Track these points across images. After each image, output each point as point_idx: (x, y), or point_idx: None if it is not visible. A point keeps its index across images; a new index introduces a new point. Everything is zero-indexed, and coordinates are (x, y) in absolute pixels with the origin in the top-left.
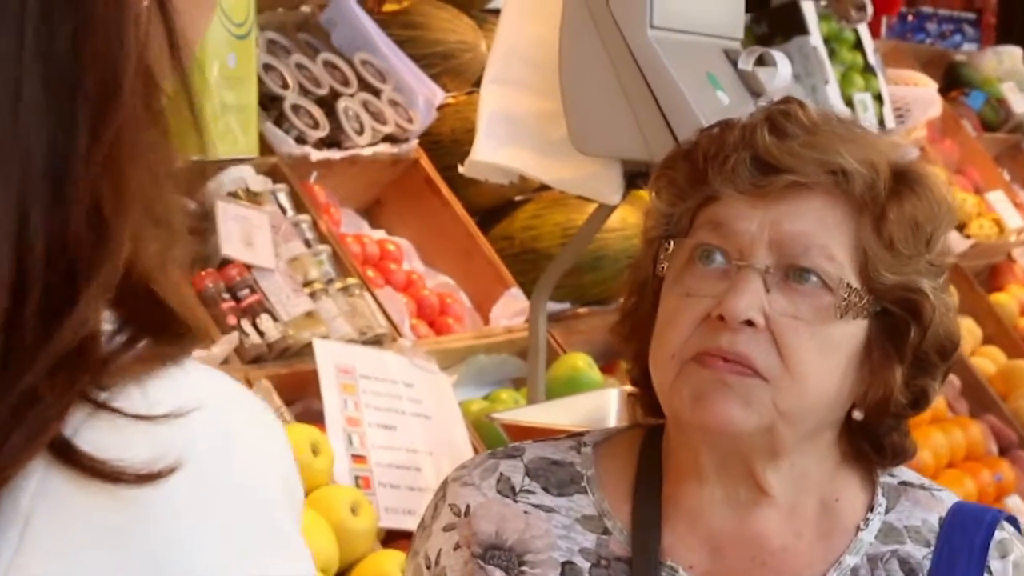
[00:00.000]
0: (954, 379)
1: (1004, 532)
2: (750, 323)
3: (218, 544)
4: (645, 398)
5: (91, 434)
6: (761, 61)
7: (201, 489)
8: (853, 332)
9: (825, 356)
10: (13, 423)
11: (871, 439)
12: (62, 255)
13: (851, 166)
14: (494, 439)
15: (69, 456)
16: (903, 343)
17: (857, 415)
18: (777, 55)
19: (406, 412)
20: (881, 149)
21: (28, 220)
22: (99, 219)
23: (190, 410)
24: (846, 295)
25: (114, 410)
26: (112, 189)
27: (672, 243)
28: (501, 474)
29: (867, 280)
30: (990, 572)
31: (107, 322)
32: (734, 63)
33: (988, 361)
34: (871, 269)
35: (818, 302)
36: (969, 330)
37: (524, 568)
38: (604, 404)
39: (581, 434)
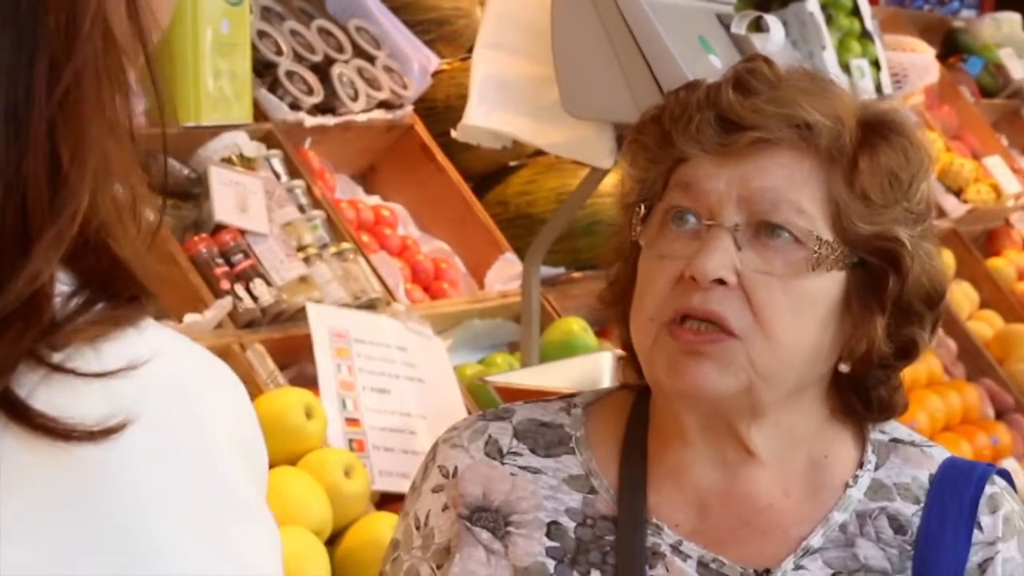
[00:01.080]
0: (951, 343)
1: (995, 487)
2: (722, 282)
3: (176, 511)
4: (634, 361)
5: (45, 394)
6: (754, 25)
7: (158, 454)
8: (829, 285)
9: (800, 311)
10: None
11: (859, 392)
12: (17, 202)
13: (814, 118)
14: (488, 403)
15: (22, 415)
16: (883, 293)
17: (844, 368)
18: (770, 19)
19: (400, 376)
20: (847, 101)
21: None
22: (56, 166)
23: (143, 365)
24: (817, 248)
25: (69, 371)
26: (70, 136)
27: (643, 207)
28: (489, 436)
29: (841, 232)
30: (980, 527)
31: (63, 284)
32: (727, 27)
33: (985, 325)
34: (844, 220)
35: (790, 257)
36: (966, 294)
37: (510, 529)
38: (597, 368)
39: (572, 395)
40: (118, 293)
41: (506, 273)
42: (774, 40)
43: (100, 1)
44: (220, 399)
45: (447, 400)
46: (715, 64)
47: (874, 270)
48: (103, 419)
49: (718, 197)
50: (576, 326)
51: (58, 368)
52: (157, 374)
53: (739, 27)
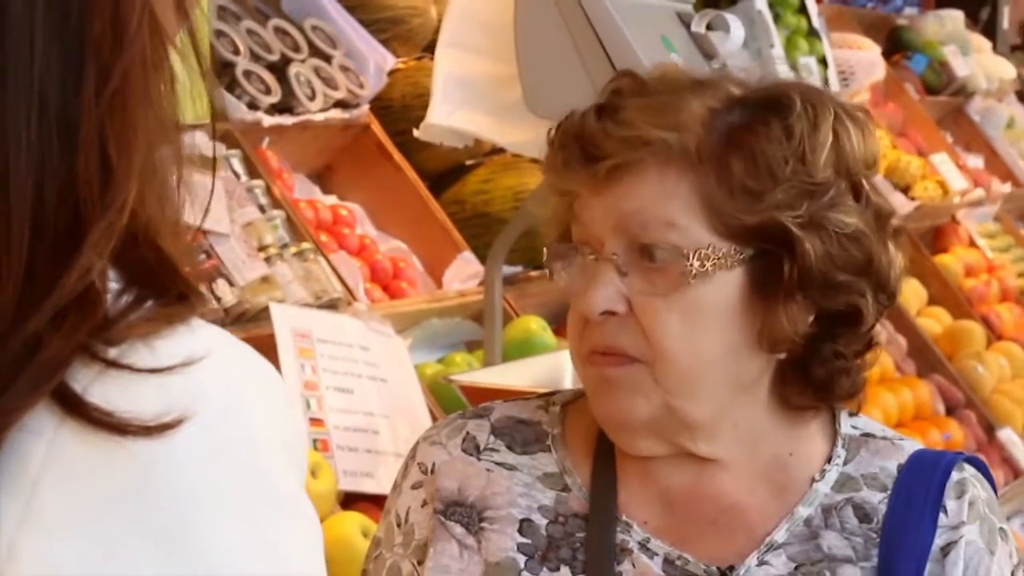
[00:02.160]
0: (901, 339)
1: (963, 472)
2: (612, 313)
3: (227, 509)
4: None
5: (100, 389)
6: (713, 24)
7: (210, 452)
8: (720, 289)
9: (689, 323)
10: (17, 368)
11: (801, 374)
12: (71, 201)
13: (651, 135)
14: (451, 401)
15: (79, 409)
16: (777, 279)
17: (779, 355)
18: (730, 18)
19: (363, 376)
20: (693, 106)
21: (45, 161)
22: (106, 162)
23: (198, 362)
24: (691, 259)
25: (124, 367)
26: (118, 132)
27: (546, 251)
28: (467, 433)
29: (724, 230)
30: (945, 511)
31: (112, 281)
32: (687, 26)
33: (933, 322)
34: (725, 218)
35: (670, 273)
36: (914, 291)
37: (484, 524)
38: (559, 366)
39: (551, 394)
40: (166, 290)
41: (464, 272)
42: (734, 39)
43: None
44: (267, 396)
45: (409, 399)
46: (678, 63)
47: (775, 257)
48: (158, 415)
49: (597, 228)
50: (535, 324)
51: (113, 364)
52: (211, 372)
53: (699, 26)
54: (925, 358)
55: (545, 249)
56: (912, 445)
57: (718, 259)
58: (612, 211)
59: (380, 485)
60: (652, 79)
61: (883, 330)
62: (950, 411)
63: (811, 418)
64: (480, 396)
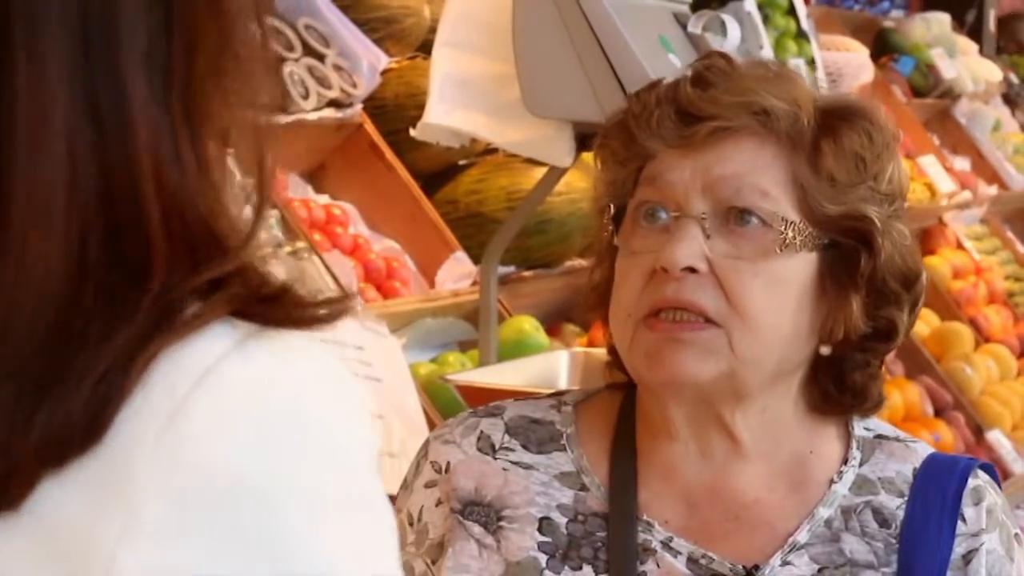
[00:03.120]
0: None
1: (978, 480)
2: (693, 270)
3: (317, 506)
4: (618, 360)
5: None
6: (709, 26)
7: (301, 448)
8: (800, 266)
9: (773, 293)
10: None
11: (836, 377)
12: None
13: (771, 103)
14: (446, 401)
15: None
16: (855, 272)
17: (824, 350)
18: (727, 19)
19: (357, 375)
20: (803, 87)
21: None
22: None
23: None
24: (783, 229)
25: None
26: (208, 119)
27: (612, 207)
28: (481, 432)
29: (808, 213)
30: (964, 519)
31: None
32: (684, 27)
33: (922, 324)
34: (811, 202)
35: (758, 240)
36: None
37: (502, 523)
38: (554, 366)
39: (562, 393)
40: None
41: (457, 272)
42: (730, 40)
43: None
44: (350, 397)
45: (404, 399)
46: (675, 63)
47: (846, 250)
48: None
49: (683, 188)
50: (528, 325)
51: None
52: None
53: (695, 27)
54: (914, 360)
55: (605, 208)
56: (924, 448)
57: (803, 237)
58: (704, 173)
59: None
60: (744, 62)
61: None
62: (939, 413)
63: (830, 420)
64: (477, 396)
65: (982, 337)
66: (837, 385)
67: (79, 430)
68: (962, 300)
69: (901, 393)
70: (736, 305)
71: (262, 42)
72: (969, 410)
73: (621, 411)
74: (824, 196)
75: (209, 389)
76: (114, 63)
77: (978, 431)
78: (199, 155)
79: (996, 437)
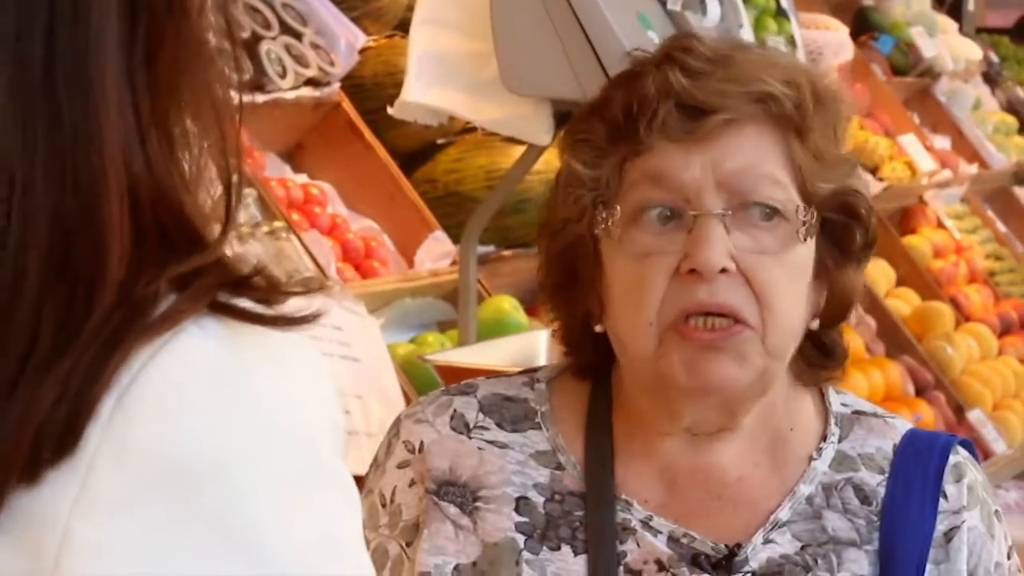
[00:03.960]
0: (870, 320)
1: (958, 456)
2: (724, 271)
3: (275, 482)
4: (582, 357)
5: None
6: (688, 3)
7: (259, 422)
8: (809, 251)
9: (793, 283)
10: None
11: (816, 343)
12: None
13: (777, 90)
14: (424, 381)
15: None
16: (851, 245)
17: (814, 325)
18: None
19: (335, 355)
20: (796, 65)
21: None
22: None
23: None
24: (803, 217)
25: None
26: (175, 112)
27: (605, 208)
28: (455, 411)
29: (807, 196)
30: (945, 496)
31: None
32: (663, 4)
33: (902, 303)
34: (808, 184)
35: (779, 232)
36: (883, 272)
37: (479, 504)
38: (533, 345)
39: (535, 370)
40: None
41: (436, 251)
42: (710, 17)
43: None
44: (316, 376)
45: (382, 379)
46: (654, 40)
47: (837, 226)
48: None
49: (696, 186)
50: (507, 304)
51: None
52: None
53: (675, 4)
54: (894, 339)
55: (610, 212)
56: (903, 424)
57: (813, 221)
58: (715, 168)
59: (353, 464)
60: (719, 43)
61: (853, 311)
62: (919, 392)
63: (805, 393)
64: (455, 376)
65: (963, 316)
66: (818, 349)
67: (51, 443)
68: (943, 279)
69: (882, 372)
70: (765, 302)
71: (228, 31)
72: (950, 389)
73: (594, 388)
74: (817, 175)
75: (160, 364)
76: (80, 64)
77: (959, 410)
78: (170, 149)
79: (977, 416)
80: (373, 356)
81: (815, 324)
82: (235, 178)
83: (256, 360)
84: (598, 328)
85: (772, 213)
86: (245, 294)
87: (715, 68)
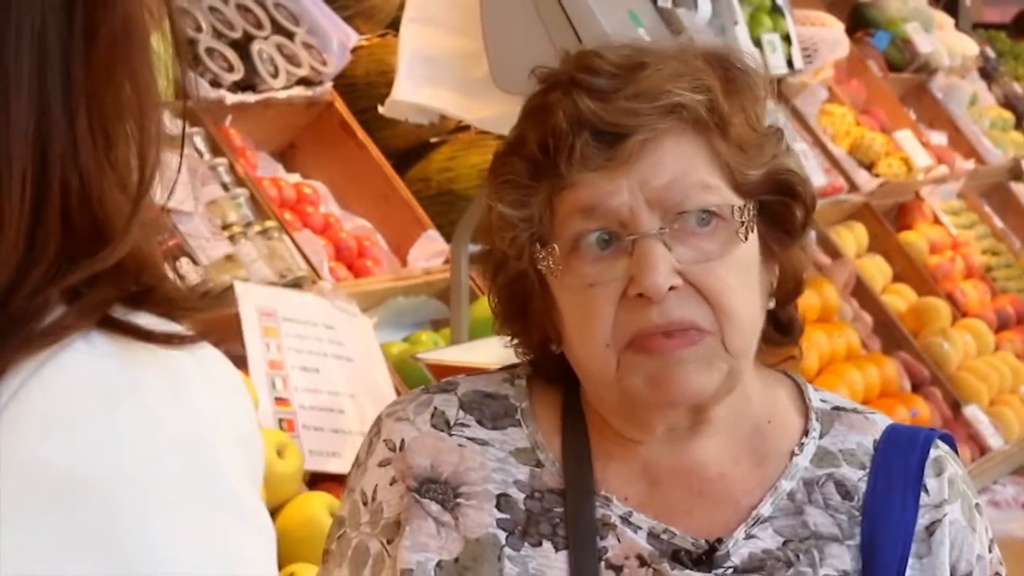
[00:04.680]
0: (867, 316)
1: (939, 450)
2: (671, 287)
3: (168, 505)
4: (545, 372)
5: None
6: (680, 0)
7: (152, 444)
8: (753, 244)
9: (744, 279)
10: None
11: (774, 321)
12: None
13: (687, 98)
14: (417, 380)
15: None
16: (791, 224)
17: (771, 305)
18: None
19: (328, 355)
20: (701, 65)
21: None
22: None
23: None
24: (739, 216)
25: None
26: (112, 100)
27: (543, 246)
28: (435, 408)
29: (740, 188)
30: (927, 491)
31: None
32: (654, 1)
33: (899, 299)
34: (738, 176)
35: (719, 235)
36: (879, 268)
37: (460, 500)
38: None
39: (515, 366)
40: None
41: (429, 250)
42: (701, 14)
43: None
44: (222, 389)
45: (375, 378)
46: (644, 39)
47: (774, 207)
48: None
49: (627, 209)
50: None
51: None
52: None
53: (665, 1)
54: (891, 335)
55: (548, 249)
56: (883, 419)
57: (751, 215)
58: (643, 188)
59: (346, 464)
60: (622, 55)
61: (849, 307)
62: (916, 388)
63: (779, 385)
64: (447, 374)
65: (959, 312)
66: (776, 327)
67: None
68: (939, 275)
69: (878, 368)
70: (720, 307)
71: (171, 28)
72: (946, 385)
73: (565, 400)
74: (744, 164)
75: (44, 379)
76: None
77: (955, 406)
78: (102, 138)
79: (973, 412)
80: (365, 355)
81: (771, 304)
82: (147, 172)
83: (147, 377)
84: (557, 350)
85: (709, 217)
86: (144, 308)
87: (622, 84)
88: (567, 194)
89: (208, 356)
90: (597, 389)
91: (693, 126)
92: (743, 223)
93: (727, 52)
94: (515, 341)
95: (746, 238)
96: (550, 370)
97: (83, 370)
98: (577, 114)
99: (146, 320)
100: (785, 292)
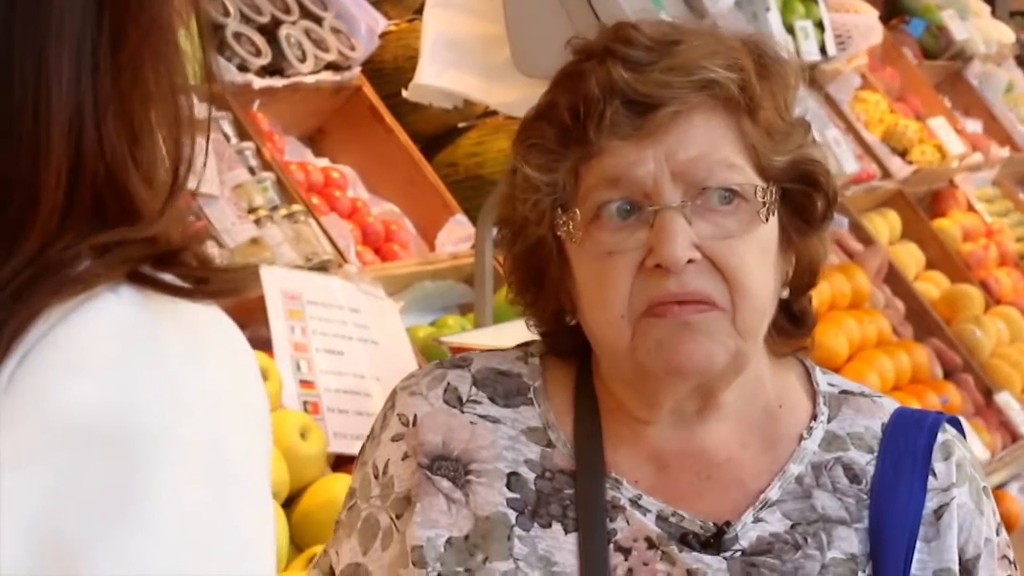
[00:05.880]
0: (899, 303)
1: (947, 434)
2: (690, 260)
3: (183, 467)
4: (559, 344)
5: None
6: None
7: (172, 409)
8: (773, 227)
9: (761, 261)
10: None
11: (787, 312)
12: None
13: (721, 75)
14: None
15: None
16: (812, 215)
17: (784, 294)
18: None
19: (353, 338)
20: (736, 45)
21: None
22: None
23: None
24: (761, 197)
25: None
26: (138, 98)
27: (564, 211)
28: (448, 384)
29: (764, 172)
30: (935, 474)
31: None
32: None
33: (932, 286)
34: (763, 160)
35: (740, 214)
36: (912, 255)
37: (470, 478)
38: None
39: (529, 344)
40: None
41: (456, 235)
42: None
43: None
44: (229, 351)
45: (400, 362)
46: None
47: (797, 196)
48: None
49: (652, 180)
50: None
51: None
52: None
53: None
54: (923, 322)
55: (570, 215)
56: (890, 403)
57: (773, 198)
58: (669, 160)
59: None
60: (659, 30)
61: (881, 294)
62: (948, 375)
63: (789, 370)
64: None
65: (992, 299)
66: (789, 318)
67: None
68: (972, 262)
69: (909, 355)
70: (736, 285)
71: (196, 14)
72: (978, 372)
73: (578, 376)
74: (770, 149)
75: (71, 325)
76: (36, 28)
77: (987, 393)
78: (128, 132)
79: (1005, 399)
80: (391, 338)
81: (785, 293)
82: (183, 168)
83: (169, 330)
84: (571, 321)
85: (731, 196)
86: (171, 269)
87: (657, 57)
88: (594, 163)
89: (218, 314)
90: (611, 361)
91: (723, 104)
92: (764, 203)
93: (760, 39)
94: (528, 313)
95: (767, 219)
96: (563, 343)
97: (108, 317)
98: (610, 82)
99: (172, 278)
100: (800, 282)
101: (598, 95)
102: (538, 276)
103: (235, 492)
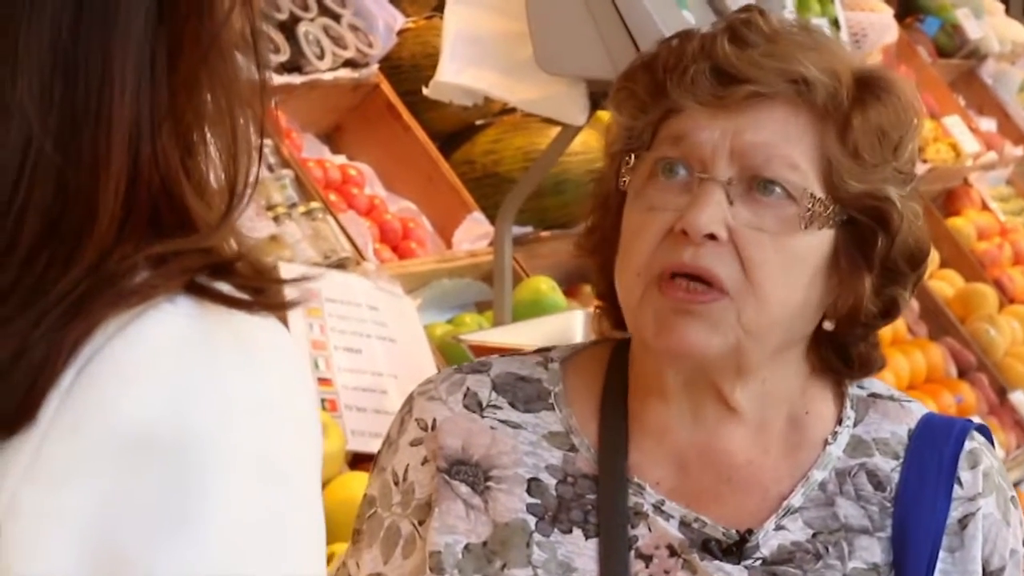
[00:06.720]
0: (913, 302)
1: (974, 442)
2: (713, 237)
3: (233, 473)
4: (611, 312)
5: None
6: None
7: (223, 412)
8: (819, 243)
9: (789, 268)
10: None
11: (838, 350)
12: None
13: (812, 74)
14: (459, 361)
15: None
16: (871, 252)
17: (828, 326)
18: None
19: (371, 335)
20: (843, 57)
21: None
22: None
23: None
24: (810, 205)
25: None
26: (193, 113)
27: (633, 157)
28: (468, 388)
29: (832, 189)
30: (960, 483)
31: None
32: None
33: (946, 284)
34: (836, 178)
35: (782, 213)
36: None
37: (490, 483)
38: (569, 326)
39: (548, 350)
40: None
41: (474, 232)
42: None
43: None
44: (283, 363)
45: (418, 360)
46: (688, 20)
47: (863, 228)
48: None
49: (711, 149)
50: (544, 285)
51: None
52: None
53: None
54: (937, 321)
55: (637, 162)
56: (919, 408)
57: (826, 214)
58: (735, 137)
59: None
60: (781, 22)
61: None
62: (962, 374)
63: (824, 379)
64: (489, 355)
65: (1007, 298)
66: (841, 358)
67: (9, 415)
68: (987, 261)
69: (924, 354)
70: (752, 277)
71: (252, 29)
72: (993, 371)
73: (610, 368)
74: (849, 172)
75: (129, 336)
76: (104, 41)
77: (1001, 392)
78: (183, 145)
79: (1019, 398)
80: (409, 336)
81: (828, 325)
82: (240, 184)
83: (225, 342)
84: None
85: (780, 193)
86: (227, 279)
87: (763, 42)
88: (673, 121)
89: (274, 325)
90: (628, 319)
91: (812, 108)
92: (811, 211)
93: (882, 72)
94: (593, 281)
95: (805, 227)
96: (612, 306)
97: (165, 329)
98: (709, 48)
99: (228, 288)
100: (840, 316)
101: (691, 54)
102: (601, 235)
103: (288, 500)
